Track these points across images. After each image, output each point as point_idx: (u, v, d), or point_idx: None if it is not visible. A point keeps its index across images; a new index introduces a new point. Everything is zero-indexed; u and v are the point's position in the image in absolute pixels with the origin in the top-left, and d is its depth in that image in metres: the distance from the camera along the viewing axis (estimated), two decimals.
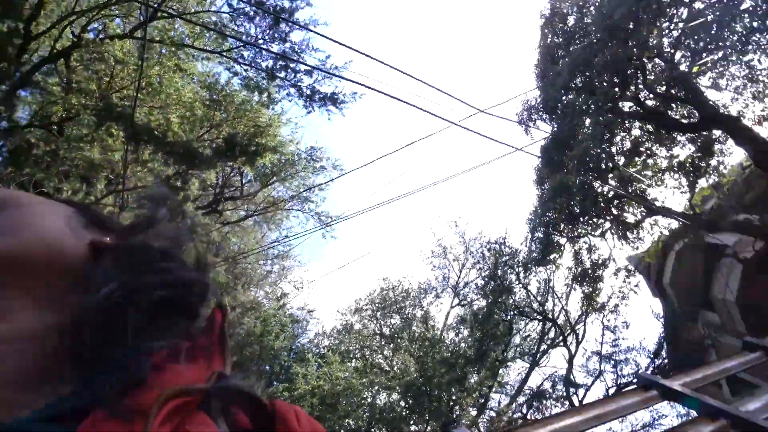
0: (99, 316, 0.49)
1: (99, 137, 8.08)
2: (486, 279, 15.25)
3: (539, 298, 14.99)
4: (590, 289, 13.08)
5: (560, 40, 9.92)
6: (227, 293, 16.17)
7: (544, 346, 15.73)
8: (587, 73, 8.71)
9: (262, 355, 14.59)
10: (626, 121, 9.57)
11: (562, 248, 12.57)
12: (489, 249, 15.45)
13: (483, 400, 14.74)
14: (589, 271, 12.60)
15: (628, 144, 9.71)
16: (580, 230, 11.72)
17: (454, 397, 13.15)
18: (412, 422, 13.33)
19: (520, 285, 14.90)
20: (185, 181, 9.58)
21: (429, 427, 13.04)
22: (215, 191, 15.97)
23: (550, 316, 14.97)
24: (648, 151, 9.67)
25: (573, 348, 14.64)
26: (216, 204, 16.15)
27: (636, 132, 9.78)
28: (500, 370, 15.16)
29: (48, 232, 0.53)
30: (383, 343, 17.20)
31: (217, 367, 0.53)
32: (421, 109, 5.79)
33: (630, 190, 9.56)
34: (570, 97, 9.11)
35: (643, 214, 10.13)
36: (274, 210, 17.11)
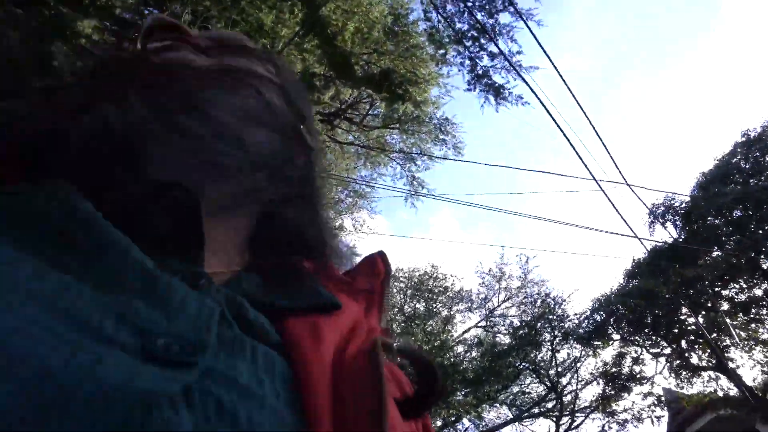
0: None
1: (278, 6, 8.25)
2: (523, 323, 15.08)
3: (559, 368, 14.76)
4: (612, 392, 12.74)
5: (747, 166, 9.29)
6: None
7: (536, 410, 15.57)
8: (752, 213, 8.18)
9: None
10: (757, 278, 9.00)
11: (611, 343, 12.23)
12: (543, 300, 15.18)
13: (454, 420, 14.88)
14: (623, 378, 12.23)
15: (743, 297, 9.15)
16: (638, 339, 11.32)
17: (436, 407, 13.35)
18: None
19: (551, 348, 14.69)
20: (326, 86, 9.73)
21: None
22: (341, 106, 16.32)
23: (558, 389, 14.74)
24: (757, 316, 9.09)
25: (562, 429, 14.44)
26: (334, 117, 16.53)
27: (759, 292, 9.19)
28: (484, 405, 15.20)
29: None
30: (399, 318, 17.46)
31: (374, 317, 0.50)
32: (573, 148, 5.65)
33: (712, 336, 9.08)
34: (717, 222, 8.62)
35: (710, 364, 9.64)
36: (378, 151, 17.31)
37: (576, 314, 14.67)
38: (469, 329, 17.32)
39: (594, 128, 5.74)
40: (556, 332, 14.48)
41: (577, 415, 14.70)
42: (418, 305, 17.99)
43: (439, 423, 14.55)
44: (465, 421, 15.77)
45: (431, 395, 0.44)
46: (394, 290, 18.46)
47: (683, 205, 10.25)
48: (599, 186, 5.55)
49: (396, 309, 17.69)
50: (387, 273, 0.55)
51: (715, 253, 8.72)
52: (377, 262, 0.56)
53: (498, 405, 16.15)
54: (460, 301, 18.01)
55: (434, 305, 17.66)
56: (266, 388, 0.33)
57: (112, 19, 8.02)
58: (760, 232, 8.55)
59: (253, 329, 0.37)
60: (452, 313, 17.61)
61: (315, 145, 0.59)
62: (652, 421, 13.00)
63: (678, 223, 10.22)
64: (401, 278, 18.50)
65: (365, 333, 0.43)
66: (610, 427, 13.80)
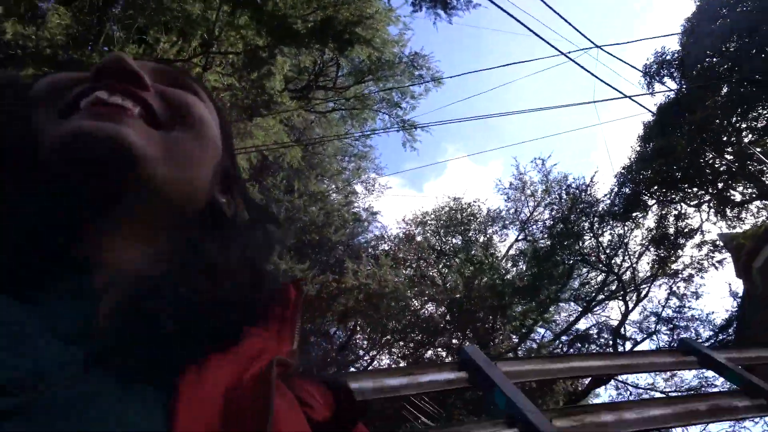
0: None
1: None
2: (556, 220, 14.92)
3: (608, 251, 14.62)
4: (667, 254, 12.56)
5: None
6: (300, 179, 16.72)
7: (601, 296, 15.56)
8: (747, 40, 7.68)
9: (320, 245, 15.27)
10: None
11: (649, 209, 11.96)
12: (568, 192, 14.92)
13: (526, 331, 15.03)
14: (671, 237, 12.02)
15: (763, 123, 8.72)
16: (674, 195, 11.03)
17: (495, 322, 13.47)
18: (448, 335, 13.88)
19: (592, 234, 14.53)
20: (272, 56, 9.35)
21: (465, 342, 13.59)
22: (309, 78, 15.98)
23: (615, 270, 14.65)
24: None
25: (631, 304, 14.42)
26: (308, 90, 16.23)
27: None
28: (550, 308, 15.27)
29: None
30: (439, 258, 17.52)
31: (287, 342, 0.52)
32: (534, 33, 5.36)
33: (746, 169, 8.75)
34: (715, 60, 8.15)
35: (753, 195, 9.33)
36: (362, 108, 17.00)
37: (605, 195, 14.42)
38: (511, 246, 17.33)
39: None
40: (592, 218, 14.27)
41: (641, 287, 14.62)
42: (454, 240, 18.04)
43: (514, 339, 14.76)
44: (539, 330, 15.99)
45: (347, 412, 0.46)
46: (428, 234, 18.56)
47: (675, 56, 9.76)
48: (569, 58, 5.24)
49: (435, 250, 17.76)
50: (297, 298, 0.57)
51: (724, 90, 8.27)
52: (289, 289, 0.58)
53: (564, 304, 16.31)
54: (492, 222, 17.97)
55: (469, 235, 17.64)
56: (128, 410, 0.35)
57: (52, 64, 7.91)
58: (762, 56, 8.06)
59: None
60: (488, 236, 17.60)
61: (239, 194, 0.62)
62: (716, 267, 12.86)
63: (675, 74, 9.75)
64: (429, 222, 18.53)
65: (266, 359, 0.43)
66: (677, 287, 13.74)
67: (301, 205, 15.60)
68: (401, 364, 14.18)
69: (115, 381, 0.36)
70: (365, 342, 15.39)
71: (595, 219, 14.25)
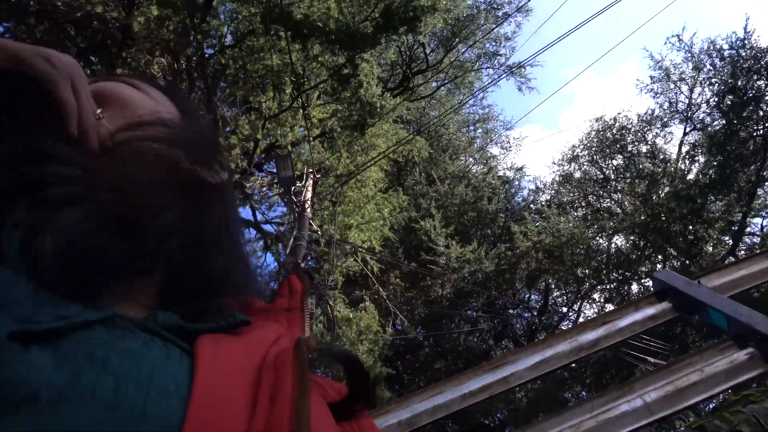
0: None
1: (271, 43, 8.39)
2: (721, 93, 12.76)
3: None
4: None
5: None
6: (436, 166, 16.71)
7: None
8: None
9: (480, 221, 15.03)
10: None
11: None
12: (722, 57, 12.67)
13: (738, 228, 13.06)
14: None
15: None
16: None
17: (697, 231, 11.92)
18: (649, 264, 12.64)
19: None
20: (355, 67, 9.49)
21: (666, 266, 12.25)
22: (402, 69, 15.98)
23: None
24: None
25: None
26: (406, 81, 16.24)
27: None
28: (758, 192, 13.07)
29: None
30: (607, 186, 16.12)
31: (297, 332, 0.53)
32: None
33: None
34: None
35: None
36: (463, 73, 16.50)
37: None
38: (681, 143, 15.25)
39: None
40: (763, 72, 11.91)
41: None
42: (615, 162, 16.48)
43: (728, 241, 12.91)
44: (755, 222, 13.80)
45: (362, 394, 0.47)
46: (585, 166, 17.20)
47: None
48: None
49: (600, 180, 16.41)
50: (303, 288, 0.60)
51: None
52: (294, 281, 0.61)
53: None
54: (649, 126, 16.01)
55: (629, 150, 15.96)
56: (154, 353, 0.37)
57: None
58: None
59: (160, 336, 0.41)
60: (651, 142, 15.71)
61: (221, 178, 0.57)
62: None
63: None
64: (580, 154, 17.19)
65: (287, 341, 0.46)
66: None
67: (447, 189, 15.59)
68: (608, 308, 13.30)
69: (132, 333, 0.38)
70: (564, 298, 14.76)
71: None
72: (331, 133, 10.66)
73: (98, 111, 0.48)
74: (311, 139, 10.08)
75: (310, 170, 9.00)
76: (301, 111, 9.04)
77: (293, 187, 7.82)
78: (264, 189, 11.38)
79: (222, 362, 0.39)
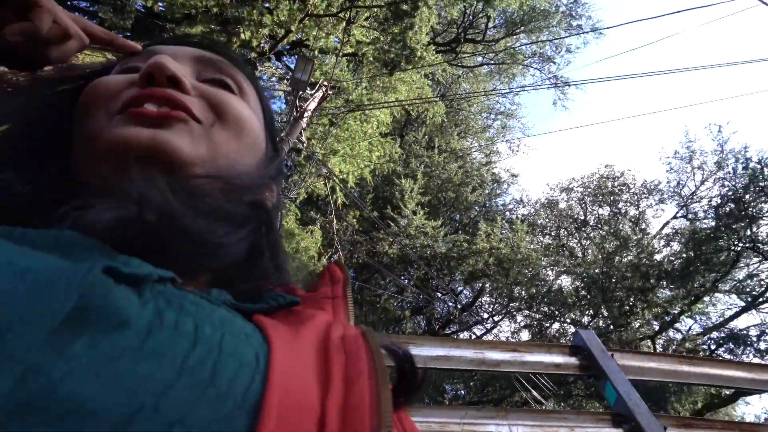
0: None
1: None
2: (726, 198, 13.00)
3: None
4: None
5: None
6: (442, 136, 16.57)
7: None
8: None
9: (455, 204, 15.13)
10: None
11: None
12: (746, 167, 12.82)
13: (670, 320, 13.65)
14: None
15: None
16: None
17: (635, 305, 12.41)
18: (579, 312, 13.13)
19: None
20: (415, 7, 9.16)
21: (593, 322, 12.78)
22: (458, 30, 15.52)
23: None
24: None
25: None
26: (455, 44, 15.81)
27: None
28: (704, 298, 13.62)
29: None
30: (581, 229, 16.42)
31: (342, 319, 0.54)
32: None
33: None
34: None
35: None
36: (511, 62, 16.16)
37: None
38: (666, 223, 15.59)
39: None
40: None
41: None
42: (601, 210, 16.74)
43: (655, 326, 13.52)
44: (687, 321, 14.41)
45: (411, 385, 0.47)
46: (573, 202, 17.45)
47: None
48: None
49: (577, 221, 16.69)
50: (346, 278, 0.60)
51: None
52: (335, 270, 0.61)
53: (722, 295, 14.42)
54: (647, 195, 16.26)
55: (618, 206, 16.22)
56: (222, 310, 0.39)
57: None
58: None
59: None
60: (641, 210, 15.99)
61: (278, 198, 0.64)
62: None
63: None
64: (575, 188, 17.36)
65: (342, 327, 0.46)
66: None
67: (440, 161, 15.55)
68: (523, 333, 13.83)
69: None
70: (490, 306, 15.22)
71: None
72: (362, 59, 10.37)
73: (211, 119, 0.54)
74: (340, 54, 9.79)
75: (325, 83, 8.78)
76: (344, 24, 8.72)
77: (301, 92, 7.64)
78: (273, 79, 11.08)
79: (290, 340, 0.40)
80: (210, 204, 0.48)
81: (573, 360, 3.32)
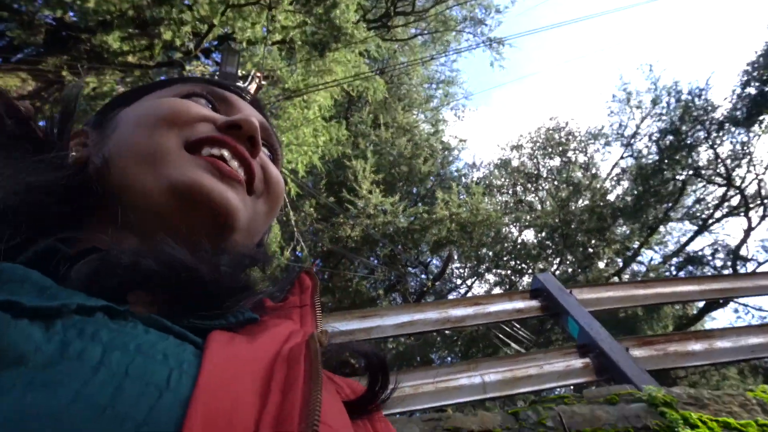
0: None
1: None
2: (664, 132, 13.51)
3: (728, 163, 13.07)
4: None
5: None
6: (387, 112, 16.53)
7: (719, 213, 14.14)
8: None
9: (409, 177, 15.18)
10: None
11: None
12: (678, 99, 13.32)
13: (631, 255, 14.19)
14: None
15: None
16: None
17: (596, 247, 12.82)
18: (546, 262, 13.48)
19: (708, 145, 13.00)
20: None
21: (560, 269, 13.16)
22: (387, 5, 15.39)
23: (737, 183, 13.13)
24: None
25: (756, 221, 12.96)
26: (387, 18, 15.69)
27: None
28: (659, 229, 14.20)
29: None
30: (537, 182, 16.77)
31: (310, 328, 0.54)
32: None
33: None
34: None
35: None
36: (444, 29, 16.17)
37: (725, 98, 12.70)
38: (615, 165, 16.10)
39: None
40: (708, 126, 12.71)
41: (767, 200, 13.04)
42: (552, 162, 17.12)
43: (619, 262, 14.03)
44: (647, 253, 15.02)
45: (382, 388, 0.47)
46: (525, 158, 17.78)
47: None
48: None
49: (531, 176, 17.02)
50: (314, 285, 0.61)
51: None
52: (304, 279, 0.62)
53: (675, 224, 15.08)
54: (593, 140, 16.72)
55: (567, 156, 16.62)
56: (151, 335, 0.38)
57: None
58: None
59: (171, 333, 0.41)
60: (589, 156, 16.44)
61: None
62: None
63: None
64: (524, 145, 17.67)
65: (301, 336, 0.46)
66: None
67: (389, 138, 15.50)
68: (496, 291, 14.11)
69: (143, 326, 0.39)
70: (462, 271, 15.45)
71: (713, 127, 12.68)
72: (292, 45, 10.16)
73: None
74: (269, 43, 9.56)
75: (258, 74, 8.58)
76: (267, 11, 8.51)
77: (233, 86, 7.43)
78: (204, 77, 10.75)
79: (233, 355, 0.39)
80: (228, 265, 0.50)
81: (534, 303, 3.40)
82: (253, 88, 8.29)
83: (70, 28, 8.84)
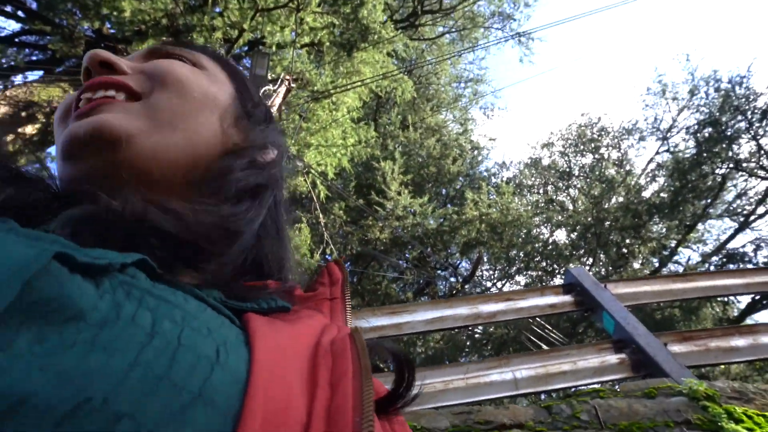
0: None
1: None
2: (702, 123, 13.05)
3: None
4: None
5: None
6: (415, 113, 16.49)
7: (762, 208, 13.57)
8: None
9: (438, 178, 15.09)
10: None
11: None
12: (717, 89, 12.85)
13: (668, 253, 13.75)
14: None
15: None
16: None
17: (631, 245, 12.47)
18: (578, 262, 13.18)
19: (750, 136, 12.49)
20: None
21: (592, 269, 12.84)
22: (414, 3, 15.39)
23: None
24: None
25: None
26: (414, 17, 15.69)
27: None
28: (697, 226, 13.72)
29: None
30: (569, 180, 16.45)
31: (340, 319, 0.54)
32: None
33: None
34: None
35: None
36: (472, 26, 16.06)
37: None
38: (650, 160, 15.66)
39: None
40: (750, 116, 12.22)
41: None
42: (584, 159, 16.77)
43: (655, 261, 13.62)
44: (684, 252, 14.53)
45: (408, 389, 0.46)
46: (556, 156, 17.47)
47: None
48: None
49: (563, 174, 16.70)
50: (344, 278, 0.60)
51: None
52: (333, 270, 0.61)
53: (715, 221, 14.56)
54: (627, 135, 16.30)
55: (600, 152, 16.24)
56: (191, 304, 0.37)
57: None
58: None
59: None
60: (623, 151, 16.03)
61: (272, 157, 0.64)
62: None
63: None
64: (555, 142, 17.37)
65: (336, 329, 0.46)
66: None
67: (417, 138, 15.48)
68: None
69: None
70: (491, 273, 15.26)
71: (755, 116, 12.18)
72: (320, 47, 10.25)
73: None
74: (298, 46, 9.66)
75: (287, 77, 8.68)
76: (295, 13, 8.61)
77: (263, 89, 7.54)
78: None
79: (279, 343, 0.39)
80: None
81: (567, 298, 3.32)
82: (282, 90, 8.39)
83: (108, 39, 9.13)
